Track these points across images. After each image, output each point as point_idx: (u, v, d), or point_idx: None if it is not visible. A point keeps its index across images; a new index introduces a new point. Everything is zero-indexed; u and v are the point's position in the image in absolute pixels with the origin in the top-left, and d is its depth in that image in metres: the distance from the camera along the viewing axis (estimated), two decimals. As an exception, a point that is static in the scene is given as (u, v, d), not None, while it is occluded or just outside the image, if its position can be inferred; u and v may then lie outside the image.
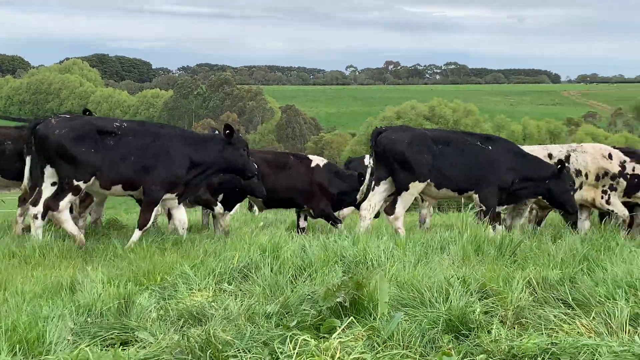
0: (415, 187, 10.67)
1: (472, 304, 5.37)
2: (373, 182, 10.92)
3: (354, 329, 4.89)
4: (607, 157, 12.01)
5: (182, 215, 10.42)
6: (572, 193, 11.27)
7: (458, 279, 5.83)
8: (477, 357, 4.63)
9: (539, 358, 4.53)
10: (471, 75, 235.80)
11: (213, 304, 5.83)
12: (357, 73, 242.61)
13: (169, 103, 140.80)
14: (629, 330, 5.05)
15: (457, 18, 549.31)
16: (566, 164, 11.30)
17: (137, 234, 9.85)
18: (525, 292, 5.94)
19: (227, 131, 10.40)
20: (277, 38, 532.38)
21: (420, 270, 6.54)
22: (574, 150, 12.11)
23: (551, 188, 11.01)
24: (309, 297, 5.68)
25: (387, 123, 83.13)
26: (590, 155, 11.93)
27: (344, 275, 6.52)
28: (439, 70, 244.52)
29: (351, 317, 4.96)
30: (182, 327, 5.39)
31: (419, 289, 5.75)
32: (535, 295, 6.05)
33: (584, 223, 11.96)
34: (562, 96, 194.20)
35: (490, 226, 10.48)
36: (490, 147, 10.87)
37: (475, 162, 10.72)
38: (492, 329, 5.04)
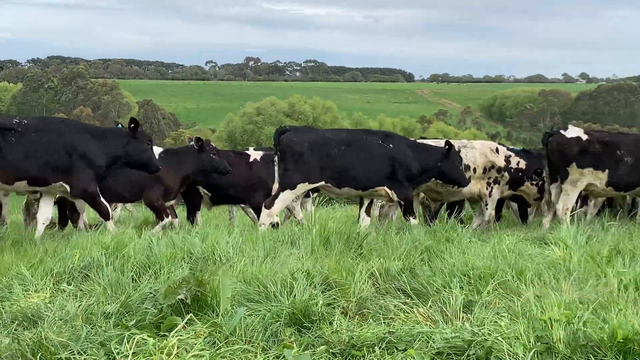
0: (302, 189, 10.98)
1: (315, 297, 5.44)
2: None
3: (195, 326, 4.82)
4: (494, 151, 12.79)
5: (48, 210, 10.24)
6: (460, 167, 11.90)
7: (302, 273, 5.89)
8: (317, 349, 4.69)
9: (376, 347, 4.65)
10: (330, 73, 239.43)
11: (50, 305, 5.58)
12: (217, 68, 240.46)
13: (18, 97, 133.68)
14: (462, 317, 5.28)
15: (316, 16, 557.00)
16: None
17: (108, 224, 10.14)
18: (368, 283, 6.09)
19: (132, 125, 10.38)
20: (134, 31, 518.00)
21: (268, 265, 6.55)
22: (464, 146, 12.73)
23: (443, 169, 11.54)
24: (152, 295, 5.55)
25: (247, 119, 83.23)
26: (478, 151, 12.64)
27: (190, 272, 6.42)
28: (298, 68, 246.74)
29: (192, 314, 4.88)
30: (15, 329, 5.12)
31: (265, 284, 5.76)
32: (378, 286, 6.22)
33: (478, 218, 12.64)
34: (416, 94, 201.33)
35: (406, 217, 11.15)
36: (391, 145, 11.19)
37: (378, 159, 11.04)
38: (333, 320, 5.13)
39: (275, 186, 10.96)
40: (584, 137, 11.64)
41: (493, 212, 12.86)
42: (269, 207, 10.81)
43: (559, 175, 11.71)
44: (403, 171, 11.12)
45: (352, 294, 5.74)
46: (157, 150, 11.80)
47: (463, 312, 5.36)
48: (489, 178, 12.66)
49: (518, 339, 4.41)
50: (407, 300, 5.70)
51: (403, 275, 6.17)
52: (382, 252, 7.41)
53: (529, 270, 6.36)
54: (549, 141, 11.78)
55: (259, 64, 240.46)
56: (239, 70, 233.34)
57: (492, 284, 5.82)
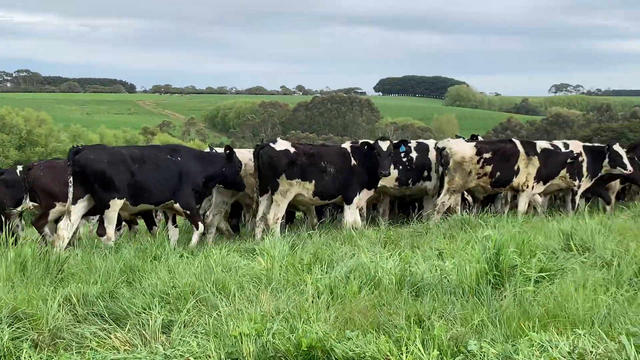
0: (116, 204, 10.91)
1: (1, 331, 5.03)
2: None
3: None
4: None
5: None
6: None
7: (-14, 306, 5.42)
8: (-2, 389, 4.34)
9: (65, 380, 4.41)
10: (45, 84, 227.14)
11: None
12: None
13: None
14: (161, 338, 5.21)
15: (28, 24, 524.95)
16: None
17: None
18: (63, 310, 5.78)
19: None
20: None
21: (-52, 300, 5.94)
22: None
23: (226, 174, 12.33)
24: None
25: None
26: None
27: None
28: (9, 78, 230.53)
29: None
30: None
31: (-59, 322, 5.22)
32: (76, 313, 5.93)
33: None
34: (138, 106, 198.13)
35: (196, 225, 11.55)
36: (179, 158, 11.55)
37: (169, 174, 11.38)
38: (21, 355, 4.79)
39: (69, 207, 10.73)
40: (292, 149, 12.19)
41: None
42: (102, 234, 10.89)
43: (269, 187, 12.15)
44: (190, 182, 11.55)
45: (45, 324, 5.41)
46: None
47: (163, 333, 5.29)
48: None
49: (209, 357, 4.44)
50: (105, 326, 5.50)
51: (101, 299, 5.95)
52: (83, 276, 7.10)
53: (232, 284, 6.47)
54: (260, 154, 12.17)
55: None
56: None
57: (192, 301, 5.81)
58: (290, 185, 12.08)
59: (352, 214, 12.58)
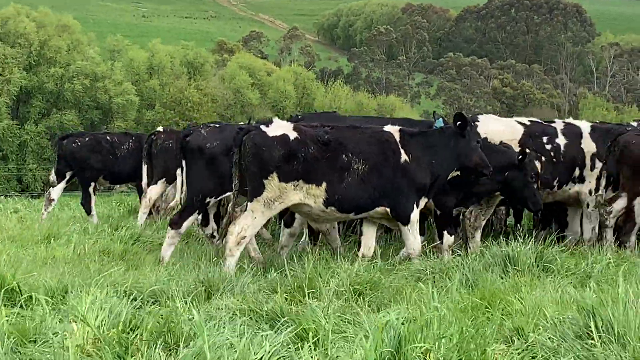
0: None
1: None
2: None
3: None
4: None
5: None
6: None
7: None
8: None
9: None
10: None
11: None
12: None
13: None
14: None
15: None
16: None
17: None
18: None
19: None
20: None
21: None
22: None
23: None
24: None
25: None
26: None
27: None
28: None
29: None
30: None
31: None
32: None
33: None
34: (220, 6, 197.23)
35: None
36: None
37: None
38: None
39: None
40: (293, 134, 12.05)
41: None
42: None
43: (249, 188, 12.50)
44: None
45: None
46: None
47: None
48: None
49: None
50: None
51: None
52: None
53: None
54: (243, 141, 12.11)
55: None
56: None
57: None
58: (283, 191, 12.33)
59: (415, 237, 13.25)
